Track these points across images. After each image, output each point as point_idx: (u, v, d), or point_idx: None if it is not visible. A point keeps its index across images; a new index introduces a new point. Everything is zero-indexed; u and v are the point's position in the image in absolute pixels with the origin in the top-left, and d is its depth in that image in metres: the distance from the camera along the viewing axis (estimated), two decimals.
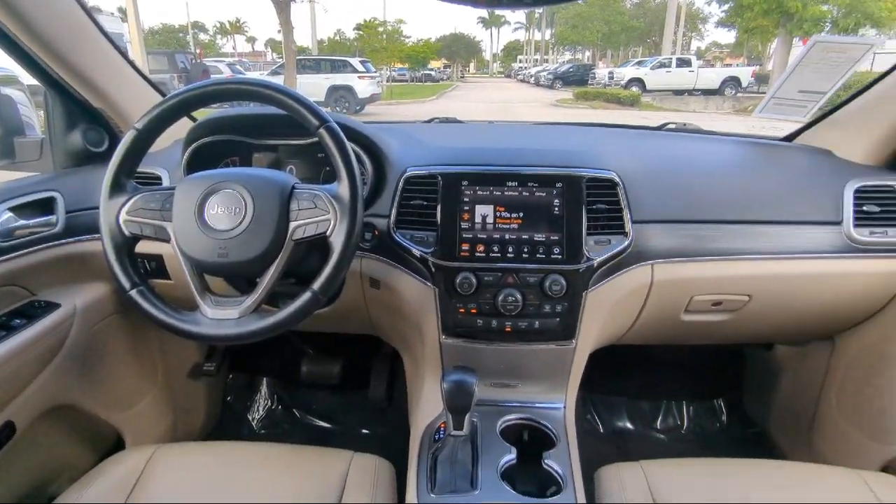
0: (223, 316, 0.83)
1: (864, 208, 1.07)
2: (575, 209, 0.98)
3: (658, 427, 1.67)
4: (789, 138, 1.36)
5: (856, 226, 1.06)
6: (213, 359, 1.56)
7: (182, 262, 0.84)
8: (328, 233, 0.82)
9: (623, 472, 0.90)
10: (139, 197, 0.85)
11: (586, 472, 0.95)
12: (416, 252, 1.00)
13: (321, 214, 0.83)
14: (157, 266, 1.15)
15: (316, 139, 0.84)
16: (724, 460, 0.93)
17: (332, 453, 0.96)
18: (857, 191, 1.08)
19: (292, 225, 0.83)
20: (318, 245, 0.85)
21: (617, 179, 1.01)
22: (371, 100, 14.25)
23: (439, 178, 1.01)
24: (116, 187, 0.85)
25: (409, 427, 1.10)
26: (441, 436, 0.98)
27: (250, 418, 1.71)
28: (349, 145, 0.84)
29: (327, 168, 1.13)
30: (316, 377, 1.64)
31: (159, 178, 1.16)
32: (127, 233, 0.85)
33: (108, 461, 0.95)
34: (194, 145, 1.08)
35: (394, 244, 1.02)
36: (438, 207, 1.00)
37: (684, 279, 1.06)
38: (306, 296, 0.82)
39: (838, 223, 1.07)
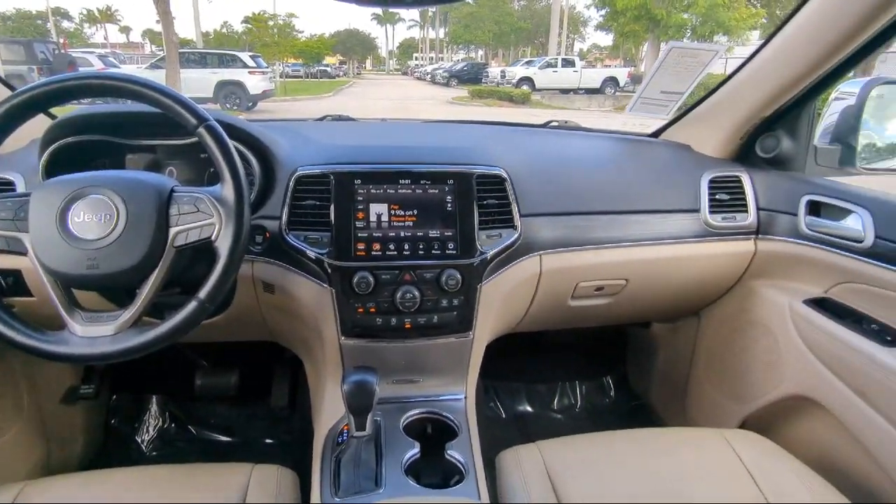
0: (96, 333, 0.76)
1: (717, 196, 1.21)
2: (467, 205, 1.02)
3: (555, 408, 1.77)
4: (656, 134, 1.50)
5: (711, 212, 1.20)
6: (91, 380, 1.42)
7: (43, 276, 0.76)
8: (213, 237, 0.78)
9: (521, 453, 0.95)
10: None
11: (490, 458, 1.00)
12: (311, 254, 0.98)
13: (204, 218, 0.79)
14: (14, 282, 1.03)
15: (196, 139, 0.79)
16: (610, 433, 1.01)
17: (229, 468, 0.92)
18: (710, 181, 1.22)
19: (173, 231, 0.78)
20: (204, 251, 0.80)
21: (505, 175, 1.06)
22: (264, 96, 13.65)
23: (332, 178, 1.00)
24: None
25: (313, 433, 1.08)
26: (344, 438, 0.97)
27: (139, 441, 1.58)
28: (232, 145, 0.81)
29: (211, 170, 1.07)
30: (212, 390, 1.55)
31: (12, 184, 1.03)
32: None
33: None
34: (53, 147, 0.97)
35: (287, 246, 0.99)
36: (332, 207, 0.99)
37: (569, 267, 1.14)
38: (191, 305, 0.78)
39: (697, 210, 1.20)
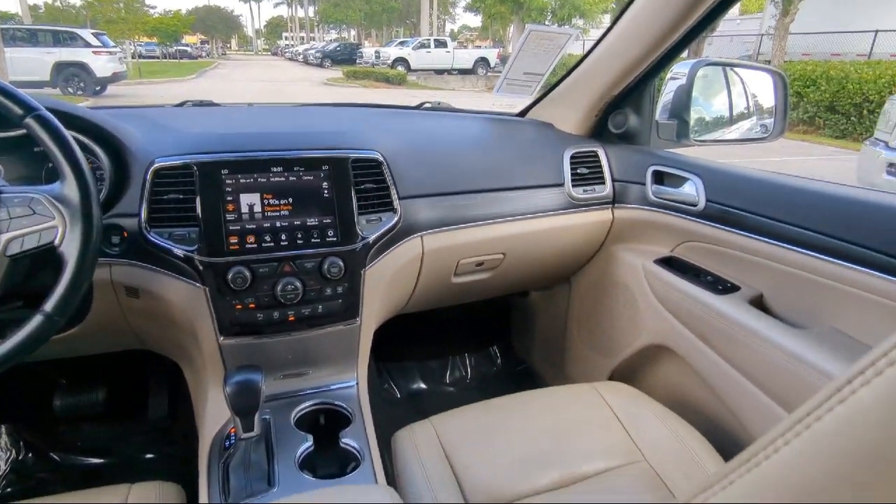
0: None
1: (578, 171, 1.32)
2: (344, 190, 1.01)
3: (447, 382, 1.84)
4: (522, 114, 1.58)
5: (573, 186, 1.30)
6: None
7: None
8: (56, 242, 0.71)
9: (415, 430, 0.98)
10: None
11: (388, 439, 1.01)
12: (179, 251, 0.91)
13: (43, 221, 0.70)
14: None
15: (25, 131, 0.70)
16: (496, 400, 1.08)
17: (103, 492, 0.84)
18: (571, 157, 1.32)
19: (3, 238, 0.69)
20: (48, 258, 0.72)
21: (381, 158, 1.06)
22: (114, 79, 12.22)
23: (195, 168, 0.93)
24: None
25: (198, 441, 1.02)
26: (232, 441, 0.93)
27: None
28: (73, 136, 0.73)
29: (49, 165, 0.95)
30: (75, 410, 1.40)
31: None
32: None
33: None
34: None
35: (149, 246, 0.92)
36: (198, 200, 0.93)
37: (450, 246, 1.18)
38: (36, 320, 0.70)
39: (561, 185, 1.29)
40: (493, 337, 1.95)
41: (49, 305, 0.70)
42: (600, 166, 1.34)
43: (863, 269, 0.84)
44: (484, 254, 1.25)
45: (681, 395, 1.21)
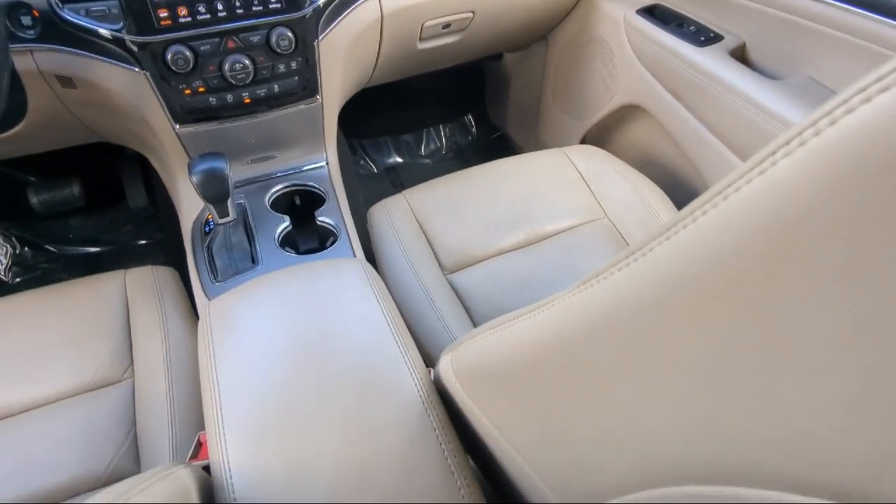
0: None
1: None
2: None
3: (423, 154, 1.84)
4: None
5: None
6: None
7: None
8: None
9: (389, 204, 1.01)
10: None
11: (365, 214, 1.05)
12: (104, 31, 0.81)
13: None
14: None
15: None
16: (467, 170, 1.09)
17: (102, 278, 0.90)
18: None
19: None
20: None
21: None
22: None
23: None
24: None
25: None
26: (210, 227, 0.96)
27: None
28: None
29: None
30: (54, 205, 1.41)
31: None
32: None
33: None
34: None
35: (67, 26, 0.80)
36: None
37: (412, 6, 1.05)
38: None
39: None
40: (467, 105, 1.89)
41: None
42: None
43: (847, 4, 0.79)
44: (451, 13, 1.12)
45: (649, 154, 1.23)
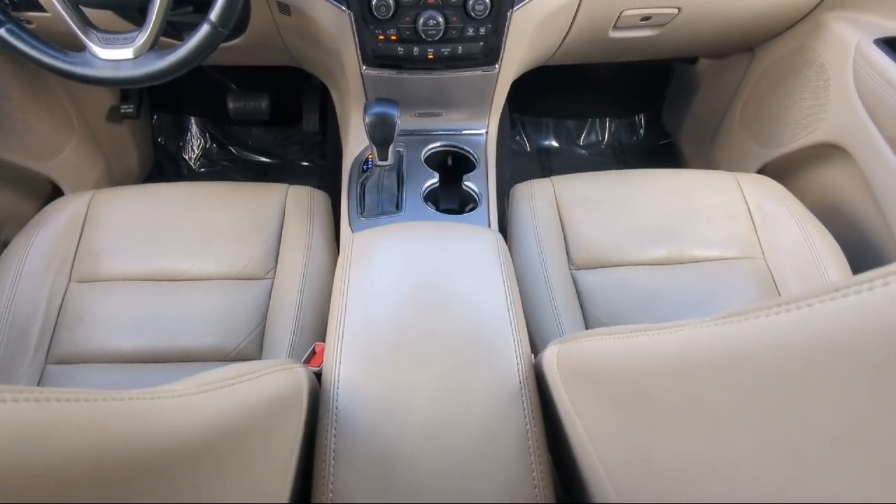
0: (118, 56, 0.76)
1: None
2: None
3: (581, 143, 1.79)
4: None
5: None
6: (130, 100, 1.47)
7: None
8: None
9: (534, 186, 1.01)
10: None
11: (508, 189, 1.06)
12: None
13: None
14: None
15: None
16: (624, 171, 1.04)
17: (268, 187, 1.01)
18: None
19: None
20: None
21: None
22: None
23: None
24: None
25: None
26: (369, 166, 1.03)
27: (186, 158, 1.71)
28: None
29: None
30: (244, 113, 1.60)
31: None
32: None
33: (49, 206, 0.98)
34: None
35: None
36: None
37: None
38: (204, 29, 0.75)
39: None
40: (642, 104, 1.79)
41: (213, 15, 0.74)
42: None
43: None
44: (654, 6, 1.06)
45: (835, 202, 1.09)
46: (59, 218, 0.94)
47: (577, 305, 0.87)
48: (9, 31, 0.76)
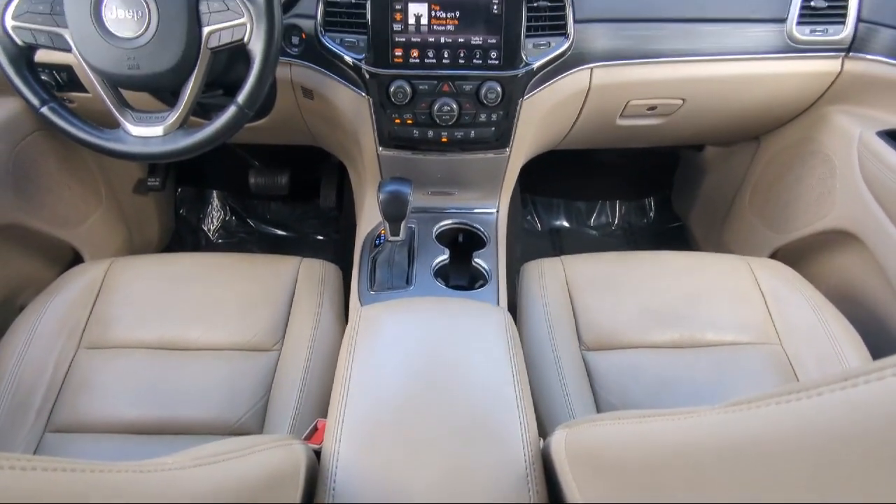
0: (148, 133, 0.81)
1: (812, 3, 1.04)
2: (514, 7, 0.92)
3: (591, 224, 1.81)
4: None
5: (799, 23, 1.04)
6: (157, 174, 1.54)
7: (90, 74, 0.78)
8: (245, 40, 0.77)
9: (544, 265, 1.01)
10: None
11: (518, 267, 1.07)
12: (348, 58, 0.95)
13: (235, 18, 0.76)
14: (69, 77, 1.06)
15: None
16: (635, 252, 1.05)
17: (281, 259, 1.03)
18: None
19: (206, 31, 0.76)
20: (240, 54, 0.79)
21: None
22: None
23: None
24: None
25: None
26: (381, 241, 1.05)
27: (206, 229, 1.76)
28: None
29: None
30: (265, 188, 1.66)
31: None
32: (19, 41, 0.77)
33: (67, 273, 1.00)
34: None
35: (323, 49, 0.96)
36: (368, 6, 0.92)
37: (622, 83, 1.06)
38: (231, 110, 0.80)
39: (783, 20, 1.04)
40: (651, 188, 1.83)
41: (241, 97, 0.79)
42: None
43: None
44: (660, 97, 1.11)
45: (850, 289, 1.07)
46: (76, 284, 0.96)
47: (588, 387, 0.84)
48: (51, 109, 0.81)
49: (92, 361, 0.86)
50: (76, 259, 1.33)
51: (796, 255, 1.22)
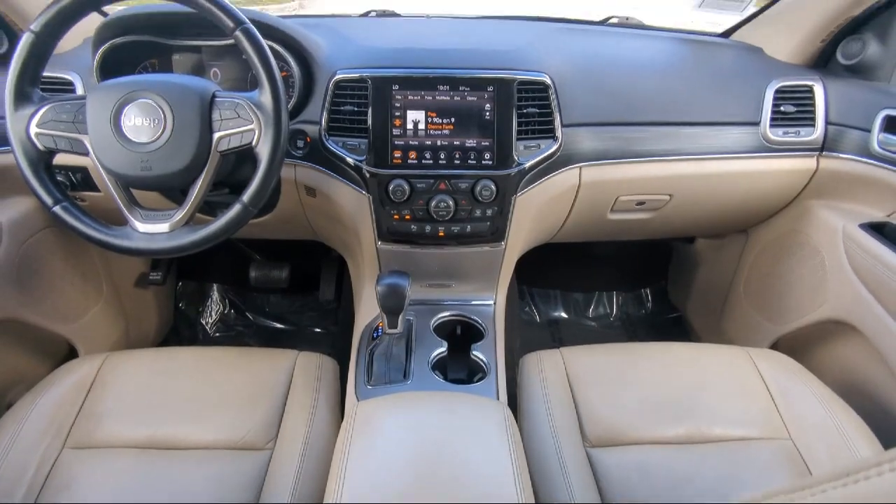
0: (154, 230, 0.83)
1: (782, 108, 1.12)
2: (505, 113, 0.99)
3: (589, 315, 1.81)
4: (727, 34, 1.36)
5: (772, 125, 1.11)
6: (159, 269, 1.56)
7: (104, 175, 0.82)
8: (253, 143, 0.81)
9: (544, 357, 1.00)
10: (49, 108, 0.81)
11: (518, 359, 1.06)
12: (350, 160, 1.00)
13: (244, 124, 0.81)
14: (83, 178, 1.11)
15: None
16: (635, 344, 1.05)
17: (278, 353, 1.02)
18: (777, 91, 1.12)
19: (216, 136, 0.81)
20: (247, 155, 0.84)
21: (549, 82, 1.01)
22: None
23: (369, 82, 0.99)
24: (21, 97, 0.80)
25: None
26: (378, 334, 1.05)
27: (203, 323, 1.76)
28: (268, 48, 0.81)
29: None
30: (265, 281, 1.68)
31: (71, 84, 1.08)
32: (41, 146, 0.81)
33: (60, 369, 0.98)
34: (104, 47, 1.00)
35: (327, 152, 1.01)
36: (370, 112, 0.99)
37: (610, 181, 1.11)
38: (236, 208, 0.83)
39: (756, 123, 1.12)
40: (647, 279, 1.85)
41: (246, 196, 0.83)
42: (813, 104, 1.12)
43: None
44: (647, 193, 1.16)
45: (853, 378, 1.05)
46: (67, 381, 0.94)
47: (594, 486, 0.80)
48: (63, 208, 0.84)
49: (75, 463, 0.83)
50: (71, 353, 1.32)
51: (797, 345, 1.21)
